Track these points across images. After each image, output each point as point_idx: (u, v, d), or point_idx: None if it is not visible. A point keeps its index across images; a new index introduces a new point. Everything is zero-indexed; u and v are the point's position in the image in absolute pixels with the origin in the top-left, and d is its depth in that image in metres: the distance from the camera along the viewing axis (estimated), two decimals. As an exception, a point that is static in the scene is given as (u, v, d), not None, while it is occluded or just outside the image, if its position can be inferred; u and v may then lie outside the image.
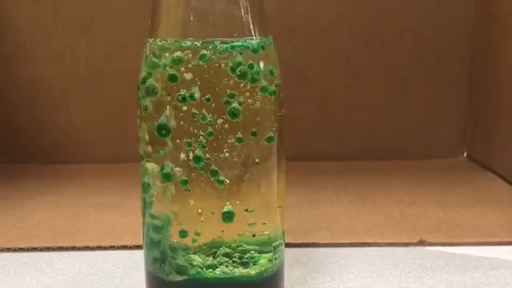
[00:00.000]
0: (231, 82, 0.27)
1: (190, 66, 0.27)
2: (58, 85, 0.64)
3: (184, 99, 0.27)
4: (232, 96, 0.27)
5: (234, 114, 0.27)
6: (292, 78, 0.63)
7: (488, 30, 0.61)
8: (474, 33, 0.63)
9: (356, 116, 0.65)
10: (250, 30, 0.28)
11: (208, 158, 0.28)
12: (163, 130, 0.28)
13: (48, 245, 0.42)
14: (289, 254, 0.34)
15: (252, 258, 0.29)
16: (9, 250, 0.41)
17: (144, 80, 0.28)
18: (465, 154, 0.66)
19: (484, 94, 0.62)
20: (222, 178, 0.28)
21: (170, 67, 0.27)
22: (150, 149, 0.29)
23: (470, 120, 0.65)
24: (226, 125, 0.27)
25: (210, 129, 0.27)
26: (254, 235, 0.29)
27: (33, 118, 0.64)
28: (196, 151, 0.28)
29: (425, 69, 0.64)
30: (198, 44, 0.27)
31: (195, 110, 0.27)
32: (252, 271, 0.29)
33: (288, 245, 0.34)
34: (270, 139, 0.29)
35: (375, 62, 0.63)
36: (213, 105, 0.27)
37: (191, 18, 0.28)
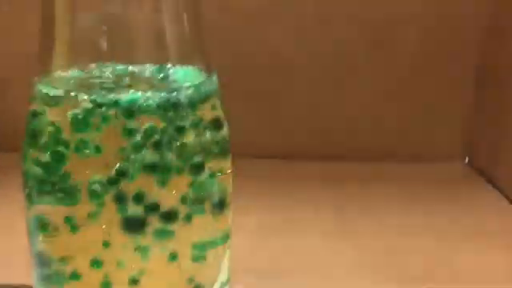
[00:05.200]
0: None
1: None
2: None
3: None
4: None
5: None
6: (277, 68, 0.55)
7: (500, 26, 0.53)
8: (483, 27, 0.54)
9: (345, 113, 0.57)
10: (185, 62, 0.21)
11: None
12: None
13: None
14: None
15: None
16: None
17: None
18: (466, 160, 0.58)
19: (492, 92, 0.54)
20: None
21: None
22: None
23: (475, 121, 0.57)
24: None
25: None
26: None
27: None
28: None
29: (427, 61, 0.56)
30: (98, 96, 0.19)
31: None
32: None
33: None
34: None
35: (370, 53, 0.55)
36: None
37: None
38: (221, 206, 0.22)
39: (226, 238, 0.24)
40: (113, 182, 0.19)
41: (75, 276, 0.21)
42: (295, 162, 0.56)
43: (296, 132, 0.57)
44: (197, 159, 0.20)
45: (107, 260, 0.20)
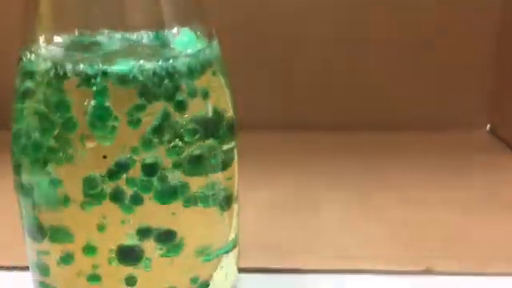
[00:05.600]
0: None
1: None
2: None
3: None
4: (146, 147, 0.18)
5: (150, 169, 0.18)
6: (286, 35, 0.52)
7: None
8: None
9: (360, 80, 0.54)
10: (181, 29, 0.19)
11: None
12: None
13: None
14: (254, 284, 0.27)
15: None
16: None
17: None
18: (488, 127, 0.56)
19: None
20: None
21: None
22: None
23: (497, 87, 0.54)
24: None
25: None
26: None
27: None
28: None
29: (447, 27, 0.53)
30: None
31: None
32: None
33: (252, 270, 0.26)
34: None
35: (386, 17, 0.53)
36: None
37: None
38: (227, 203, 0.21)
39: (234, 242, 0.22)
40: (113, 174, 0.18)
41: (66, 259, 0.19)
42: (308, 132, 0.53)
43: (308, 101, 0.55)
44: (198, 139, 0.19)
45: (101, 246, 0.19)
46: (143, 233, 0.19)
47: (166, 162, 0.18)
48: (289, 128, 0.53)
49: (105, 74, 0.17)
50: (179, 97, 0.18)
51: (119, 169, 0.18)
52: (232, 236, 0.22)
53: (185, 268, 0.20)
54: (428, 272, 0.33)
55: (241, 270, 0.25)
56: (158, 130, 0.18)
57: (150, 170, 0.18)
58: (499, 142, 0.53)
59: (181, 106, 0.18)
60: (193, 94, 0.18)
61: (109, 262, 0.19)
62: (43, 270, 0.21)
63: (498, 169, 0.47)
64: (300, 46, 0.53)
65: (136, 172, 0.18)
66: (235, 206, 0.22)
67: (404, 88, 0.55)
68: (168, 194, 0.18)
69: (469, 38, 0.53)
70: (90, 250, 0.19)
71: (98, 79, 0.17)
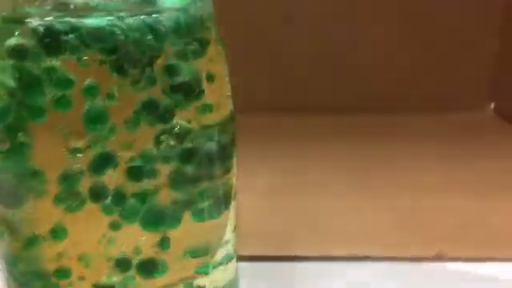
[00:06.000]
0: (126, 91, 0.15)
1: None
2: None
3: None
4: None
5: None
6: (278, 12, 0.50)
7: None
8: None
9: (359, 60, 0.52)
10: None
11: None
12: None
13: None
14: (252, 272, 0.24)
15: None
16: None
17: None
18: (492, 106, 0.54)
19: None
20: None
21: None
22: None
23: (500, 65, 0.52)
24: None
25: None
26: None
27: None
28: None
29: (450, 5, 0.50)
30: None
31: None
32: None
33: (250, 259, 0.24)
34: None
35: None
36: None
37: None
38: (225, 204, 0.18)
39: (233, 252, 0.19)
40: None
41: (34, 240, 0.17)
42: (307, 115, 0.51)
43: (308, 83, 0.53)
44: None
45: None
46: (122, 262, 0.16)
47: (156, 159, 0.16)
48: (288, 110, 0.51)
49: (76, 29, 0.14)
50: (168, 60, 0.15)
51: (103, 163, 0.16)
52: (229, 247, 0.19)
53: (178, 276, 0.18)
54: (438, 258, 0.31)
55: (239, 259, 0.23)
56: (145, 107, 0.15)
57: (137, 170, 0.16)
58: (504, 121, 0.51)
59: (170, 72, 0.15)
60: (183, 57, 0.16)
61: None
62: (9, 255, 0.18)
63: (504, 150, 0.45)
64: (289, 19, 0.51)
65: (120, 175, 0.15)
66: (233, 211, 0.20)
67: (406, 68, 0.52)
68: (155, 218, 0.16)
69: (472, 16, 0.51)
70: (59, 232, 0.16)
71: (71, 36, 0.14)
